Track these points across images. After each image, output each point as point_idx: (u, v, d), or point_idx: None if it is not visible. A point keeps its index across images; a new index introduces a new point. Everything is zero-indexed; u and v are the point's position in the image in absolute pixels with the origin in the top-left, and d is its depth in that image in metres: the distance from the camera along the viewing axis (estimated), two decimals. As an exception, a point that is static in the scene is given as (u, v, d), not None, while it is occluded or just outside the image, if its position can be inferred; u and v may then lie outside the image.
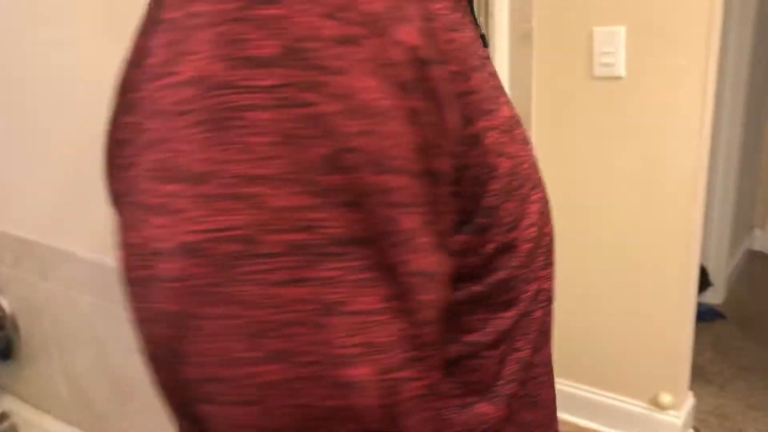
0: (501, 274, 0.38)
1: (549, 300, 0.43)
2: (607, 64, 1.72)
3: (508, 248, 0.37)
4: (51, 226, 1.27)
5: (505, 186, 0.36)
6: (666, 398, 1.89)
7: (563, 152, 1.87)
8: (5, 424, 1.54)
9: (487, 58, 0.39)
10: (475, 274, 0.37)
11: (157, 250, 0.28)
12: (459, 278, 0.36)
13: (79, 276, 1.24)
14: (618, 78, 1.72)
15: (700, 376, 2.35)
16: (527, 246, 0.39)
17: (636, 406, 1.95)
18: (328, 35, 0.27)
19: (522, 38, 1.80)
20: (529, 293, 0.40)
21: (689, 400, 1.98)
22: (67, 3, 1.05)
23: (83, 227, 1.20)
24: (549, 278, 0.42)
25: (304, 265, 0.27)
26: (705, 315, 2.70)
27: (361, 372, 0.29)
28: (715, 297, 2.83)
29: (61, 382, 1.42)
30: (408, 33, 0.30)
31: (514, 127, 0.38)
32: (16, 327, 1.47)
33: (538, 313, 0.42)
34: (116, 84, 0.34)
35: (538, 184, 0.40)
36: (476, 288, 0.37)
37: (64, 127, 1.15)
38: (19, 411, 1.54)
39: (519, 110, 1.83)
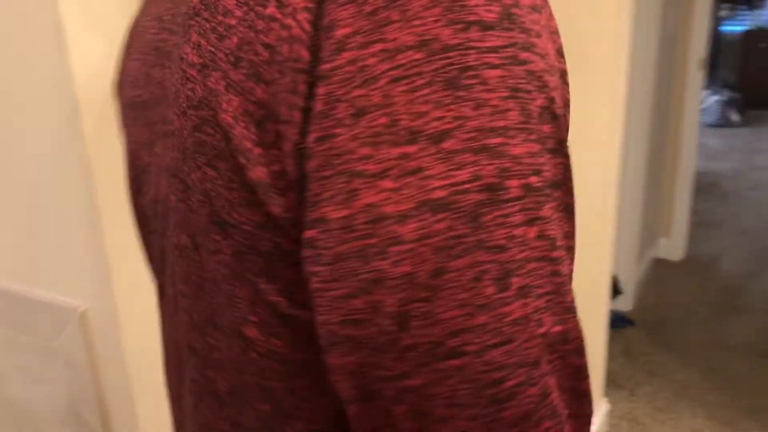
0: None
1: None
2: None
3: None
4: (-57, 248, 1.18)
5: None
6: (581, 406, 1.93)
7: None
8: None
9: None
10: None
11: (385, 215, 0.29)
12: None
13: (-25, 301, 1.15)
14: (533, 94, 1.75)
15: (612, 381, 2.43)
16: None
17: (553, 415, 1.99)
18: (526, 3, 0.31)
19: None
20: None
21: (603, 406, 2.04)
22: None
23: (-20, 249, 1.12)
24: None
25: (536, 206, 0.30)
26: (616, 322, 2.80)
27: (571, 299, 0.32)
28: (624, 304, 2.94)
29: (-45, 414, 1.32)
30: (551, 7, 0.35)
31: None
32: None
33: None
34: (262, 65, 0.32)
35: None
36: None
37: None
38: None
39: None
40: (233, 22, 0.34)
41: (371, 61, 0.29)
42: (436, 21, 0.29)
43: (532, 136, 0.30)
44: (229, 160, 0.34)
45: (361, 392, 0.31)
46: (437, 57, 0.29)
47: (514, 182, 0.29)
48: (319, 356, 0.35)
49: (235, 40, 0.33)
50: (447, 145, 0.28)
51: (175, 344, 0.48)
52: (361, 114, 0.29)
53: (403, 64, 0.29)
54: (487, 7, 0.29)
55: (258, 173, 0.33)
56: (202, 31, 0.36)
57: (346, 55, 0.29)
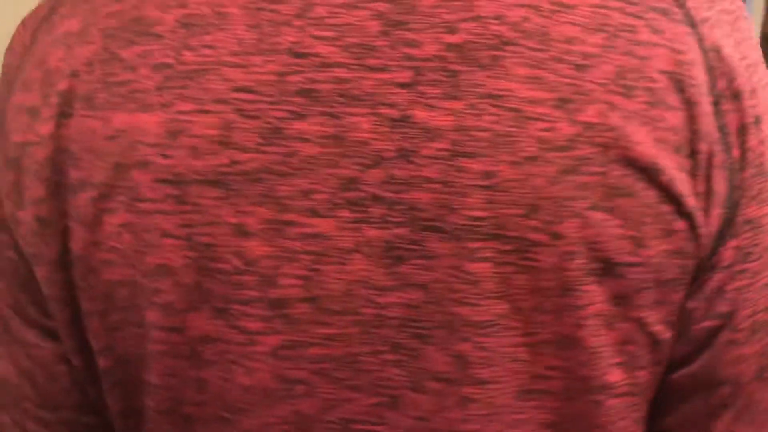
0: None
1: None
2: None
3: None
4: None
5: None
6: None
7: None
8: None
9: None
10: None
11: None
12: None
13: None
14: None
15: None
16: None
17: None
18: None
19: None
20: None
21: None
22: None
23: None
24: None
25: None
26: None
27: None
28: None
29: None
30: None
31: None
32: None
33: None
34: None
35: None
36: None
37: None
38: None
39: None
40: (594, 50, 0.33)
41: (747, 73, 0.36)
42: (753, 37, 0.37)
43: None
44: (640, 194, 0.33)
45: (763, 370, 0.37)
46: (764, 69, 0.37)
47: None
48: (648, 376, 0.36)
49: (611, 68, 0.33)
50: None
51: None
52: (758, 122, 0.36)
53: (762, 75, 0.37)
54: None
55: (692, 200, 0.34)
56: (535, 63, 0.32)
57: (747, 72, 0.36)
